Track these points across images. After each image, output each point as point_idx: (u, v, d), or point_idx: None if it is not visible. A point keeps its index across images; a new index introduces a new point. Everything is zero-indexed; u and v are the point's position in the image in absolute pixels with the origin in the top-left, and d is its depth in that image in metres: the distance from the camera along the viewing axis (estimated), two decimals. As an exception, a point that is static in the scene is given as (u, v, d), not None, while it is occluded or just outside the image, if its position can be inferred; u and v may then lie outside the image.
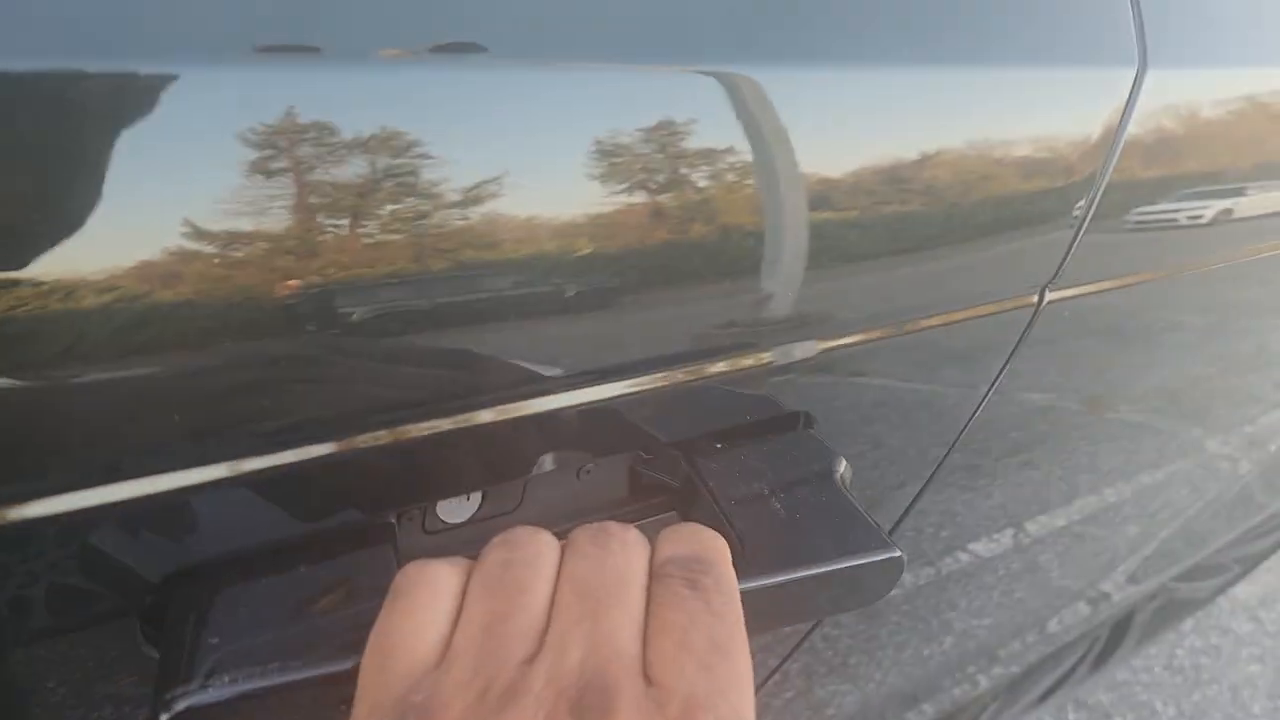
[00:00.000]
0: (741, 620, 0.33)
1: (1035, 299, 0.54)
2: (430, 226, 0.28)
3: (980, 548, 0.87)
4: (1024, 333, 0.55)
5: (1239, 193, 0.62)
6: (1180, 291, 0.68)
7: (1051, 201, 0.48)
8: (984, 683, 1.35)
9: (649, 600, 0.33)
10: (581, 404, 0.37)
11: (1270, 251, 0.73)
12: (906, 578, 0.79)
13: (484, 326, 0.32)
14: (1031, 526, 0.91)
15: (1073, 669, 1.73)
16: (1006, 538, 0.89)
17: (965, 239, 0.45)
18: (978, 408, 0.59)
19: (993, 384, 0.58)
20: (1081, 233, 0.51)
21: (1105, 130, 0.48)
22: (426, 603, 0.31)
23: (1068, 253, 0.51)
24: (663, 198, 0.33)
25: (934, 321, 0.48)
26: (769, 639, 0.68)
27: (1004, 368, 0.57)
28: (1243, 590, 2.25)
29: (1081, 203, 0.49)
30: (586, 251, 0.32)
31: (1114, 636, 1.72)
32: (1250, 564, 1.90)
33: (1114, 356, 0.70)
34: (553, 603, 0.32)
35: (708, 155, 0.34)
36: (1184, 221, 0.57)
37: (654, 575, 0.34)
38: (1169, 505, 1.12)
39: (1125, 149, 0.50)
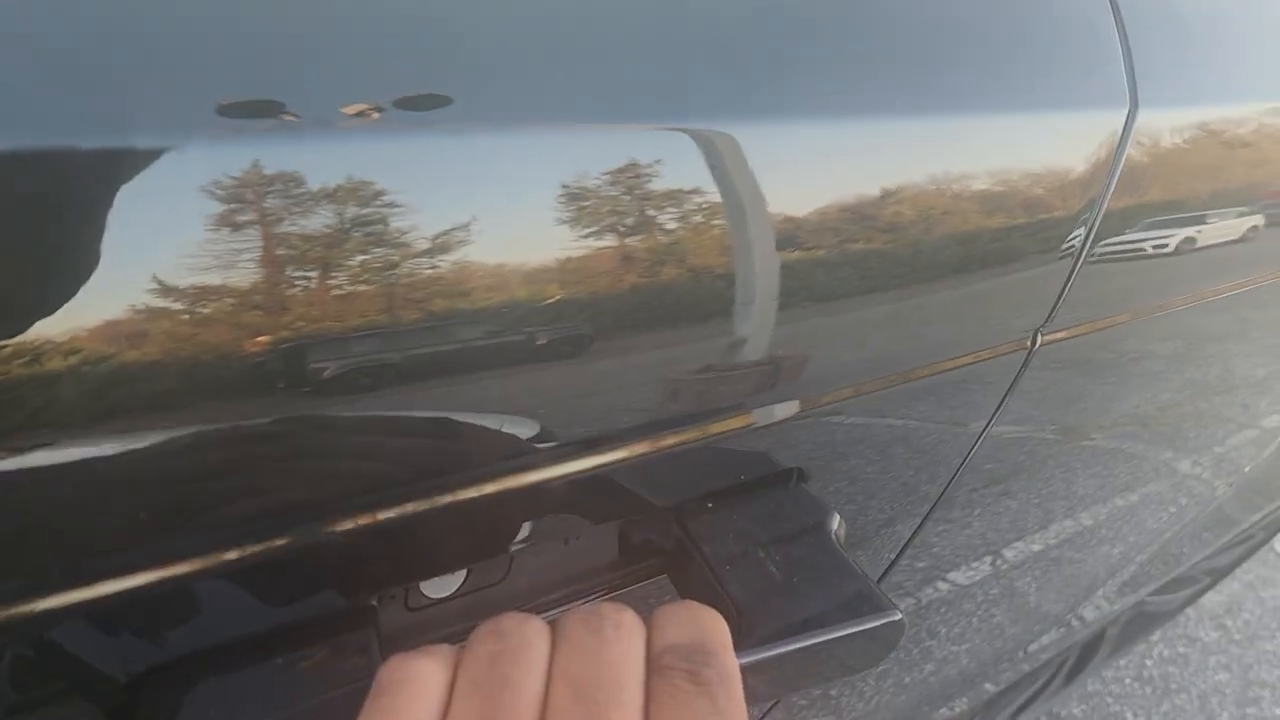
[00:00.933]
0: (745, 713, 0.32)
1: (1029, 343, 0.54)
2: (400, 276, 0.27)
3: (959, 576, 0.87)
4: (1017, 375, 0.55)
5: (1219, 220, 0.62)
6: (1158, 323, 0.68)
7: (1045, 245, 0.48)
8: (961, 705, 1.36)
9: (648, 697, 0.31)
10: (566, 475, 0.36)
11: (1251, 285, 0.74)
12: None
13: (461, 386, 0.31)
14: (1009, 553, 0.91)
15: (1047, 683, 1.74)
16: (985, 565, 0.89)
17: (957, 287, 0.44)
18: (971, 450, 0.59)
19: (986, 426, 0.57)
20: (1074, 274, 0.51)
21: (1097, 172, 0.48)
22: (410, 703, 0.30)
23: (1061, 295, 0.51)
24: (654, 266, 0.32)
25: (927, 371, 0.47)
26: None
27: (998, 410, 0.57)
28: (1209, 599, 2.28)
29: (1075, 244, 0.49)
30: (559, 304, 0.31)
31: (1086, 651, 1.73)
32: (1219, 575, 1.92)
33: (1088, 388, 0.70)
34: (546, 701, 0.31)
35: (686, 215, 0.33)
36: (1176, 249, 0.57)
37: (653, 667, 0.32)
38: (1145, 528, 1.13)
39: (1118, 188, 0.49)
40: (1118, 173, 0.49)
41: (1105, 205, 0.49)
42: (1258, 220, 0.65)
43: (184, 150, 0.24)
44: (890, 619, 0.39)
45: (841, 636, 0.38)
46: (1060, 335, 0.55)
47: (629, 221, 0.32)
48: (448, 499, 0.33)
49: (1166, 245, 0.57)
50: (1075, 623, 1.32)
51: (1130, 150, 0.49)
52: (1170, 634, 2.30)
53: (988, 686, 1.36)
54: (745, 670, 0.33)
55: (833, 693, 0.89)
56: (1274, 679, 2.23)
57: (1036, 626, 1.20)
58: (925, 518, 0.64)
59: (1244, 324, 0.84)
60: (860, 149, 0.38)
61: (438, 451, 0.31)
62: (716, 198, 0.33)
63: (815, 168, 0.36)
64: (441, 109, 0.27)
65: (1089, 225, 0.49)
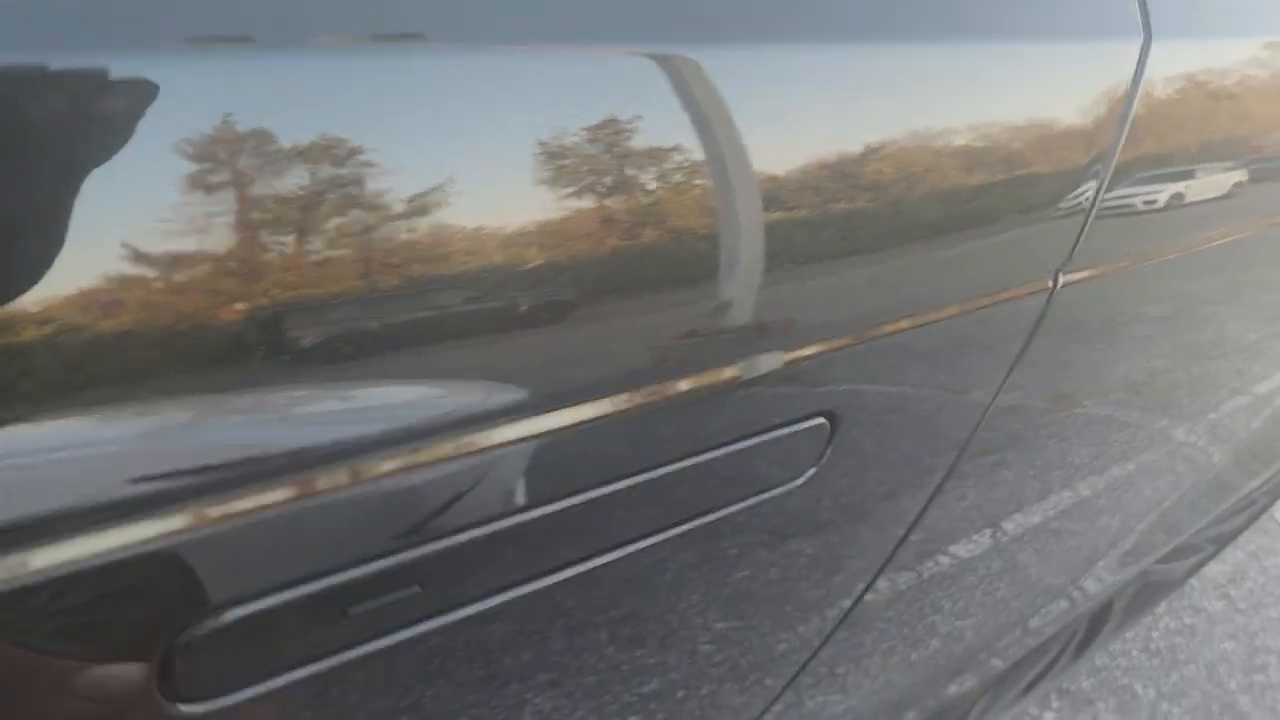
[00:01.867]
0: None
1: (1050, 283, 0.53)
2: (378, 240, 0.27)
3: (960, 550, 0.87)
4: (1040, 319, 0.54)
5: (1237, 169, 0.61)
6: (1145, 277, 0.68)
7: (1063, 182, 0.47)
8: (971, 681, 1.36)
9: None
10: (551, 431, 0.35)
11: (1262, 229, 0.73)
12: (884, 584, 0.79)
13: (448, 345, 0.30)
14: (1009, 526, 0.91)
15: (1055, 659, 1.74)
16: (985, 538, 0.89)
17: (973, 225, 0.44)
18: (992, 401, 0.58)
19: (1008, 374, 0.56)
20: (1094, 211, 0.50)
21: (1113, 105, 0.47)
22: None
23: (1081, 232, 0.50)
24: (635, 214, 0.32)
25: (945, 313, 0.47)
26: (762, 657, 0.67)
27: (1017, 360, 0.56)
28: (1212, 569, 2.28)
29: (1093, 183, 0.48)
30: (538, 263, 0.31)
31: (1094, 625, 1.74)
32: (1222, 543, 1.93)
33: (1078, 351, 0.69)
34: None
35: (657, 154, 0.33)
36: (1191, 198, 0.56)
37: None
38: (1143, 496, 1.13)
39: (1134, 124, 0.49)
40: (1133, 105, 0.48)
41: (1123, 140, 0.49)
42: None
43: (153, 101, 0.23)
44: (814, 423, 0.39)
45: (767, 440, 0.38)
46: (1083, 274, 0.54)
47: (608, 181, 0.31)
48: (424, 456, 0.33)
49: (1184, 191, 0.56)
50: (1078, 595, 1.32)
51: (1144, 83, 0.48)
52: (1175, 605, 2.31)
53: (995, 662, 1.36)
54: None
55: (839, 670, 0.89)
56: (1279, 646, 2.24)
57: (1040, 599, 1.20)
58: (942, 483, 0.63)
59: (1235, 286, 0.84)
60: (860, 76, 0.38)
61: (411, 405, 0.31)
62: (687, 125, 0.33)
63: (814, 94, 0.36)
64: (417, 47, 0.27)
65: (1107, 162, 0.48)
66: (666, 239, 0.33)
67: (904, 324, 0.45)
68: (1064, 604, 1.31)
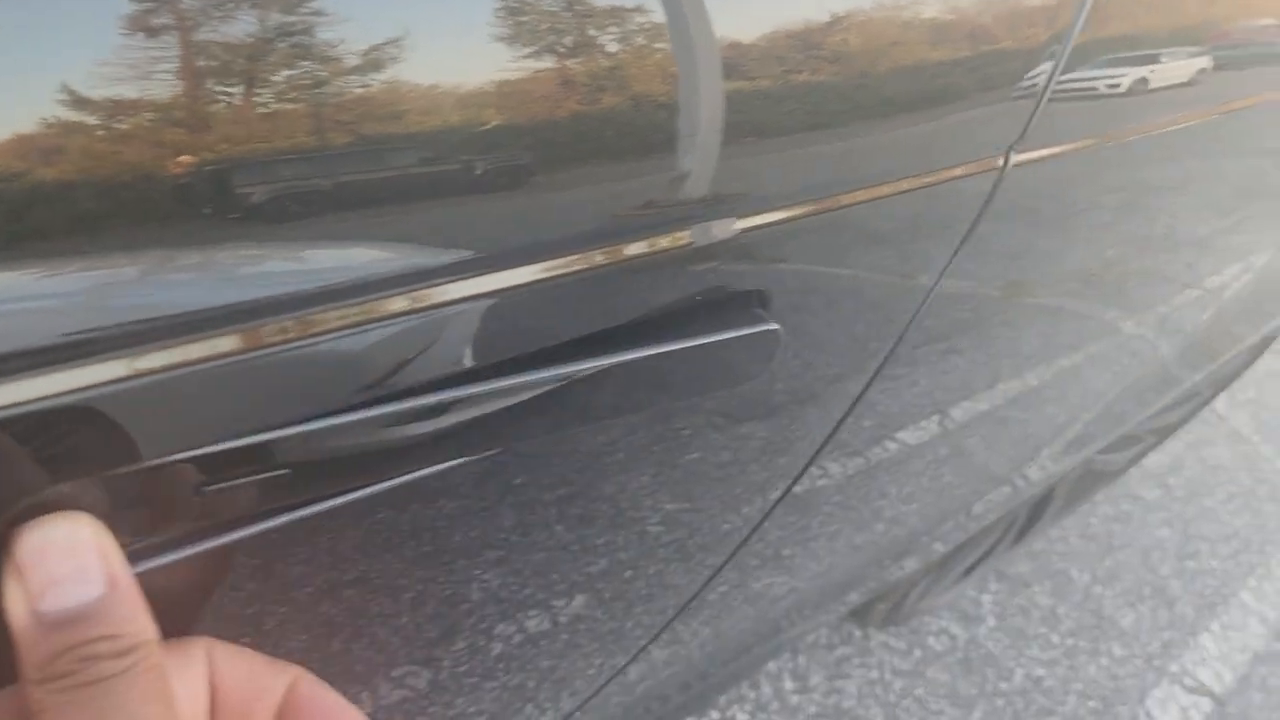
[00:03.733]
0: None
1: (1001, 162, 0.53)
2: (329, 95, 0.27)
3: (908, 436, 0.88)
4: (988, 200, 0.54)
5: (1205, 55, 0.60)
6: (1101, 163, 0.68)
7: (1022, 60, 0.46)
8: (913, 564, 1.40)
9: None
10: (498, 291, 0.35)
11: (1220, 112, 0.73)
12: (835, 468, 0.81)
13: (394, 207, 0.30)
14: (956, 413, 0.93)
15: (996, 543, 1.81)
16: (933, 425, 0.91)
17: (933, 101, 0.43)
18: (936, 284, 0.58)
19: (952, 256, 0.56)
20: (1047, 92, 0.49)
21: None
22: None
23: (1034, 113, 0.50)
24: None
25: (899, 188, 0.47)
26: (706, 539, 0.69)
27: (963, 241, 0.56)
28: (1152, 459, 2.36)
29: (1049, 63, 0.48)
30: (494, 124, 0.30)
31: (1035, 511, 1.80)
32: (1164, 434, 1.98)
33: (1033, 240, 0.70)
34: None
35: (619, 14, 0.32)
36: (1155, 84, 0.56)
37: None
38: (1090, 387, 1.15)
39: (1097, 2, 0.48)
40: None
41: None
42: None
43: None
44: (767, 327, 0.40)
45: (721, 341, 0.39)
46: (1034, 155, 0.54)
47: (568, 42, 0.31)
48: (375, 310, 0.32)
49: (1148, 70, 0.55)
50: (1021, 482, 1.36)
51: None
52: (1114, 493, 2.39)
53: (937, 546, 1.41)
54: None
55: (785, 552, 0.91)
56: (1212, 533, 2.34)
57: (984, 486, 1.24)
58: (881, 365, 0.64)
59: (1191, 176, 0.85)
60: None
61: (364, 263, 0.31)
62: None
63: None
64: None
65: (1064, 40, 0.47)
66: (626, 104, 0.33)
67: (860, 196, 0.45)
68: (1007, 490, 1.35)
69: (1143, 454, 2.01)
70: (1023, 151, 0.52)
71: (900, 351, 0.65)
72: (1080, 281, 0.87)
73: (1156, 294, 1.09)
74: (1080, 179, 0.66)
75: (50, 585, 0.24)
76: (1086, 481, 1.87)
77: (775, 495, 0.70)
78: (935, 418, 0.90)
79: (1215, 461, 2.57)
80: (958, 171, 0.50)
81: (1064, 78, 0.50)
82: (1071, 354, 1.02)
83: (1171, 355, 1.30)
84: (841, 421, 0.67)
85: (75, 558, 0.24)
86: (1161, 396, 1.51)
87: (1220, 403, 2.57)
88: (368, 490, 0.36)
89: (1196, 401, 1.96)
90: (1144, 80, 0.57)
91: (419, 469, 0.37)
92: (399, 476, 0.36)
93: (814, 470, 0.78)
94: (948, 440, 0.96)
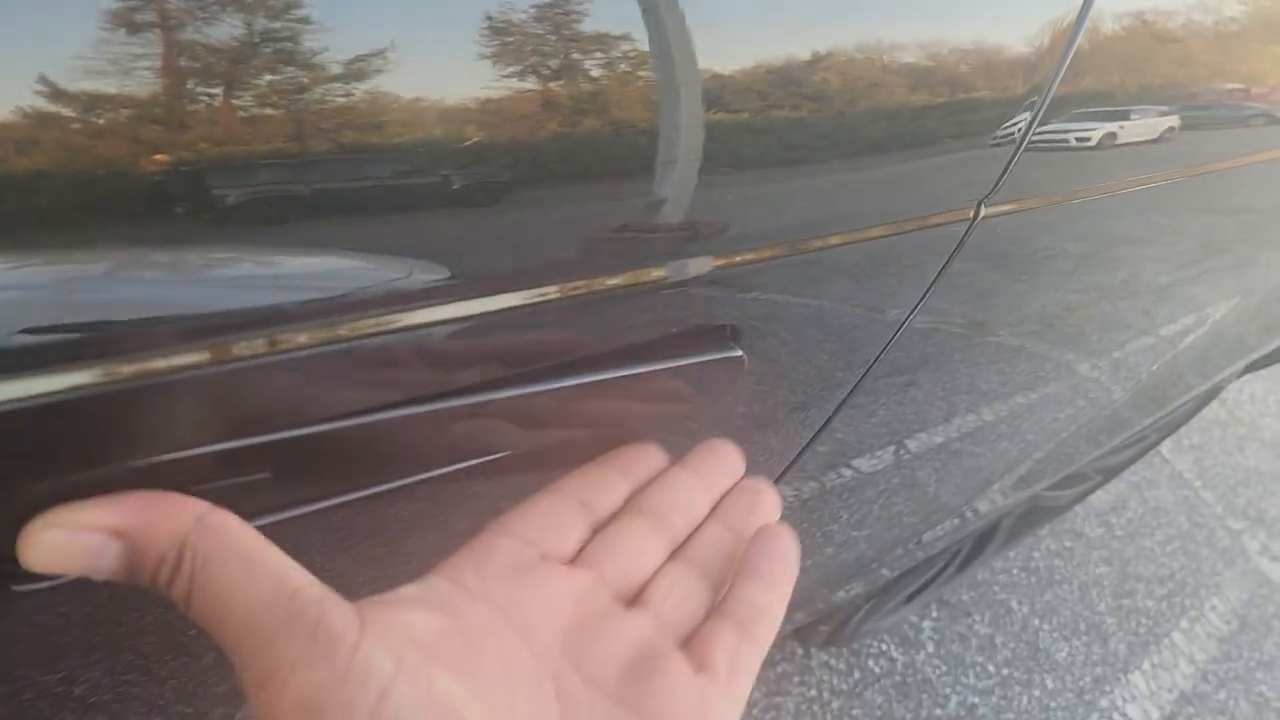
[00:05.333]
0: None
1: (972, 213, 0.53)
2: (311, 102, 0.26)
3: (863, 464, 0.89)
4: (957, 247, 0.55)
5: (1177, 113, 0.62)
6: (1070, 214, 0.69)
7: (999, 111, 0.47)
8: (858, 588, 1.42)
9: None
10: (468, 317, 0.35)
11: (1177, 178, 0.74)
12: (789, 492, 0.81)
13: (367, 218, 0.30)
14: (912, 444, 0.93)
15: (940, 571, 1.83)
16: (888, 454, 0.92)
17: (908, 146, 0.44)
18: (901, 326, 0.58)
19: (919, 302, 0.57)
20: (1024, 144, 0.50)
21: (1056, 36, 0.47)
22: None
23: (1009, 165, 0.51)
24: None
25: (871, 234, 0.47)
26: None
27: (932, 284, 0.56)
28: (1096, 498, 2.41)
29: (1026, 114, 0.49)
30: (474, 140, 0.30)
31: (980, 541, 1.82)
32: (1111, 474, 2.02)
33: (998, 281, 0.71)
34: None
35: (604, 40, 0.32)
36: (1123, 140, 0.57)
37: None
38: (1043, 426, 1.17)
39: (1076, 58, 0.49)
40: (1079, 35, 0.48)
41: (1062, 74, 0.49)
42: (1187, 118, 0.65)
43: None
44: (730, 354, 0.40)
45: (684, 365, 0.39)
46: (1006, 209, 0.55)
47: (553, 64, 0.31)
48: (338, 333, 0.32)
49: (1114, 127, 0.56)
50: (970, 514, 1.37)
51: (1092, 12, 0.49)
52: (1058, 529, 2.43)
53: (884, 572, 1.42)
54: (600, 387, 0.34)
55: (735, 570, 0.92)
56: (1149, 573, 2.38)
57: (934, 516, 1.25)
58: (841, 404, 0.65)
59: (1156, 229, 0.86)
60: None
61: (335, 276, 0.31)
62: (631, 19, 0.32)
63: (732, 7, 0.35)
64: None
65: (1043, 91, 0.48)
66: (606, 129, 0.33)
67: (834, 240, 0.46)
68: (955, 521, 1.36)
69: (1088, 492, 2.05)
70: (994, 205, 0.53)
71: (864, 383, 0.65)
72: (1041, 324, 0.89)
73: (1113, 339, 1.10)
74: (1048, 229, 0.67)
75: None
76: (1032, 516, 1.89)
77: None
78: (891, 448, 0.91)
79: (1157, 503, 2.63)
80: (931, 220, 0.51)
81: (1039, 130, 0.50)
82: (1027, 393, 1.03)
83: (1123, 399, 1.32)
84: (804, 450, 0.67)
85: None
86: (1112, 438, 1.54)
87: (1166, 446, 2.63)
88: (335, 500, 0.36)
89: (1144, 444, 1.99)
90: (1113, 135, 0.58)
91: (406, 478, 0.38)
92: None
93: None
94: (901, 470, 0.97)
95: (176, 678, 0.45)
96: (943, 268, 0.55)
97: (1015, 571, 2.30)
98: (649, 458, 0.42)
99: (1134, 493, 2.64)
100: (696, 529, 0.41)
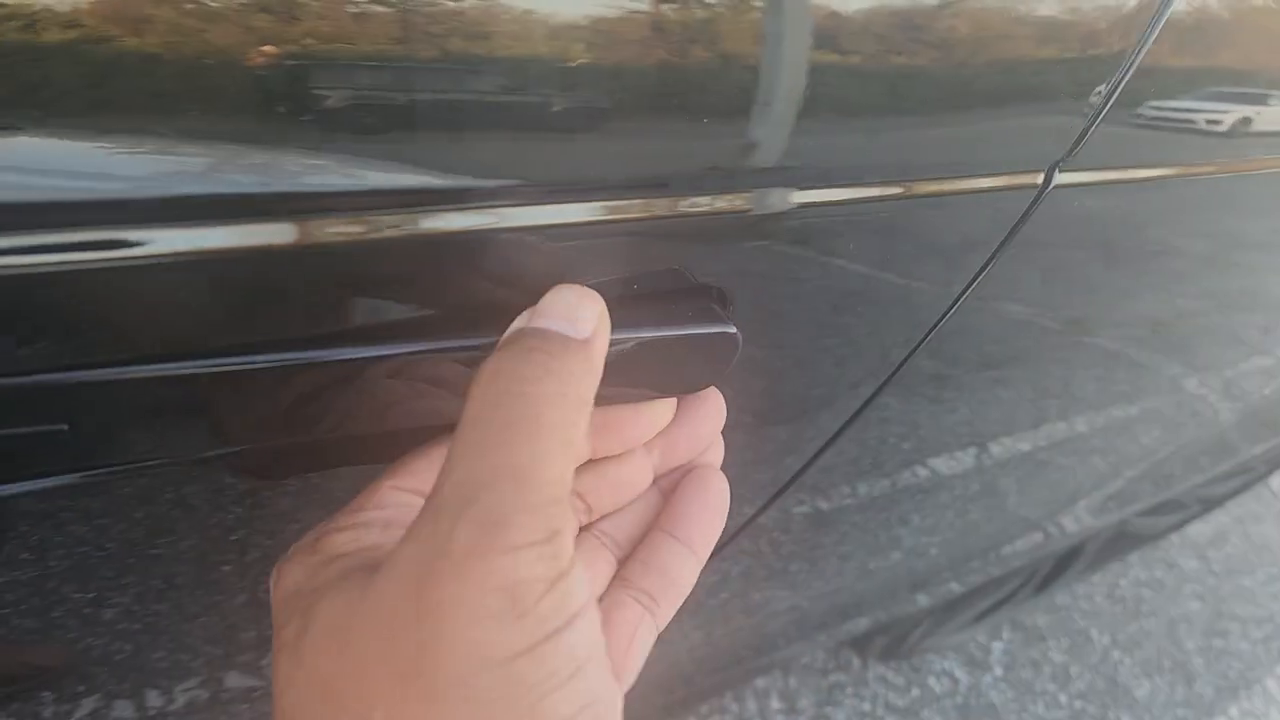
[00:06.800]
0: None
1: (1042, 178, 0.49)
2: (421, 4, 0.26)
3: (940, 464, 0.85)
4: (1024, 216, 0.50)
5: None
6: (1185, 203, 0.65)
7: (1075, 73, 0.45)
8: (924, 600, 1.37)
9: None
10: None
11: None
12: (860, 487, 0.79)
13: (458, 130, 0.29)
14: (995, 448, 0.88)
15: (1015, 591, 1.77)
16: (969, 457, 0.87)
17: (974, 103, 0.42)
18: (961, 296, 0.55)
19: (982, 269, 0.54)
20: (1104, 111, 0.47)
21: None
22: None
23: (1086, 131, 0.47)
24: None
25: (931, 188, 0.44)
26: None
27: (995, 254, 0.52)
28: (1195, 528, 2.30)
29: (1105, 83, 0.46)
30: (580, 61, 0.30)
31: (1061, 563, 1.76)
32: (1211, 504, 1.93)
33: (1102, 275, 0.67)
34: None
35: None
36: (1202, 124, 0.53)
37: None
38: (1140, 443, 1.11)
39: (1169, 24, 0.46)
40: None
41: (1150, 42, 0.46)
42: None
43: None
44: (724, 330, 0.38)
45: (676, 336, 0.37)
46: (1080, 178, 0.50)
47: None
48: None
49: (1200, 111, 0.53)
50: (1053, 531, 1.32)
51: None
52: (1149, 557, 2.33)
53: (953, 586, 1.37)
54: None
55: (792, 568, 0.89)
56: (1246, 614, 2.26)
57: (1013, 530, 1.19)
58: (889, 379, 0.60)
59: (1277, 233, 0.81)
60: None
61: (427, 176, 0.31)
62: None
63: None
64: None
65: (1124, 61, 0.45)
66: (715, 61, 0.32)
67: (931, 187, 0.44)
68: (1037, 538, 1.30)
69: (1185, 522, 1.96)
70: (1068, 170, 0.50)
71: (934, 370, 0.63)
72: (1146, 329, 0.84)
73: (1225, 356, 1.04)
74: (1163, 216, 0.64)
75: (550, 315, 0.30)
76: (1121, 541, 1.82)
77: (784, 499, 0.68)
78: (973, 450, 0.87)
79: (1261, 540, 2.50)
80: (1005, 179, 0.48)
81: (1156, 106, 0.48)
82: (1125, 404, 0.97)
83: (1231, 422, 1.24)
84: (840, 432, 0.64)
85: (580, 309, 0.30)
86: (1215, 464, 1.46)
87: (1275, 480, 2.50)
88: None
89: (1250, 476, 1.90)
90: (1247, 120, 0.54)
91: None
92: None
93: (844, 488, 0.76)
94: (982, 475, 0.93)
95: (207, 615, 0.44)
96: (1007, 238, 0.51)
97: (1098, 599, 2.21)
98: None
99: (1236, 526, 2.51)
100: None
